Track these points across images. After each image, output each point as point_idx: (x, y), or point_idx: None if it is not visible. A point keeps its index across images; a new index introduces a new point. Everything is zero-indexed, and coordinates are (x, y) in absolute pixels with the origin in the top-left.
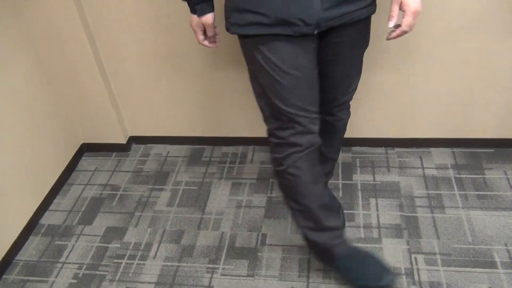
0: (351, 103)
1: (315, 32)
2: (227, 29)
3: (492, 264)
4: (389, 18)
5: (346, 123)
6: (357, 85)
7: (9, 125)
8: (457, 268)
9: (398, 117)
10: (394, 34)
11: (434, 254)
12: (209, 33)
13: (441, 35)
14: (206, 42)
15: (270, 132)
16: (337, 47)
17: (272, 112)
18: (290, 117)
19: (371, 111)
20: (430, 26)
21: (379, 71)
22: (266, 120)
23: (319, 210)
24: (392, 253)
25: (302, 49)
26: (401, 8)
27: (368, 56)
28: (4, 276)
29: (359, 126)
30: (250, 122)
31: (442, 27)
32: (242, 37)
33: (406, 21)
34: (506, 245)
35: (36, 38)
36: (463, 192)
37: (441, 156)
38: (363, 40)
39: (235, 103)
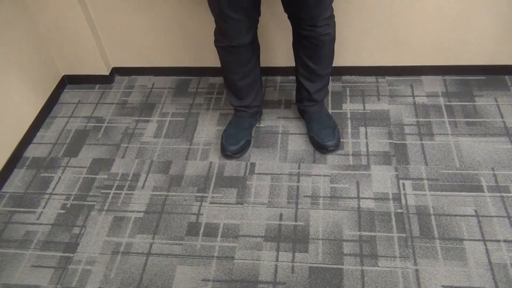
0: (341, 27)
1: None
2: None
3: (478, 188)
4: None
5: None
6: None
7: None
8: (444, 193)
9: (390, 44)
10: None
11: (422, 179)
12: None
13: None
14: None
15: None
16: None
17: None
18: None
19: (363, 38)
20: None
21: None
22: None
23: None
24: (380, 179)
25: None
26: None
27: None
28: None
29: (350, 54)
30: None
31: None
32: None
33: None
34: (493, 170)
35: None
36: (452, 119)
37: (432, 84)
38: None
39: None
